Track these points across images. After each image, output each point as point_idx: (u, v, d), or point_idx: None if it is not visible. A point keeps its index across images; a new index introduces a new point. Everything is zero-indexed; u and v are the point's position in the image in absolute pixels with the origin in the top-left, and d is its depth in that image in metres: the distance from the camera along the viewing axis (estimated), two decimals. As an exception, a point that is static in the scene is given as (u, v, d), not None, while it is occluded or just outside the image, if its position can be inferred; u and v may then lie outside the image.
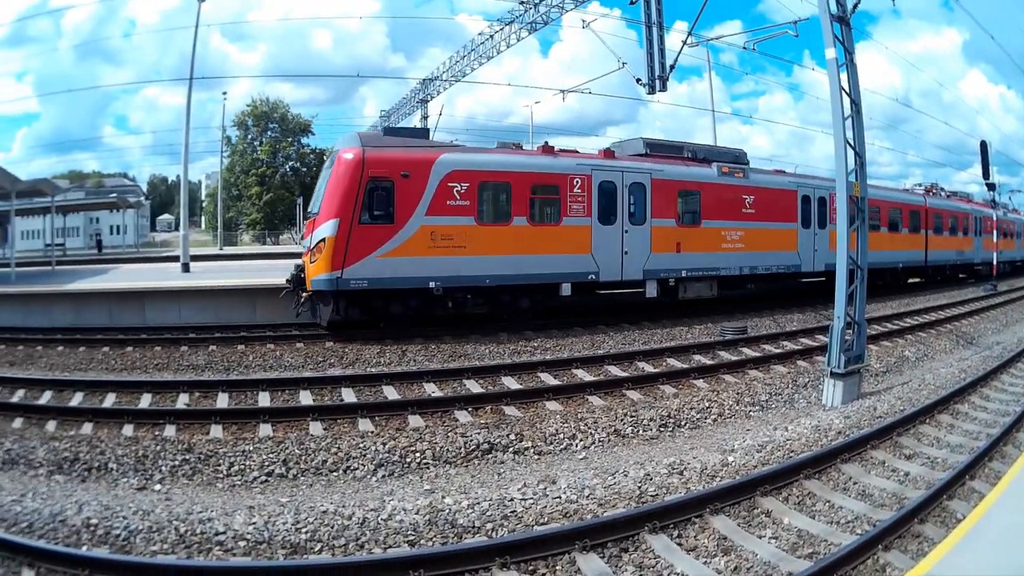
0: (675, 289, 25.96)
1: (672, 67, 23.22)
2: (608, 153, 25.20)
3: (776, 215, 28.86)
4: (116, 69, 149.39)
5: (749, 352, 19.65)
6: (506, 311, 22.67)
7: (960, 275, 45.90)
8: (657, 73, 22.65)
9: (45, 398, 15.37)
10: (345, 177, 20.03)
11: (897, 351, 20.95)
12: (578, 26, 32.66)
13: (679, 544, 7.92)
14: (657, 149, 26.70)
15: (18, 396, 15.55)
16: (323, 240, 19.88)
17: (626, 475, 10.03)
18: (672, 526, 8.20)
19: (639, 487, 9.56)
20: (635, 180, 24.31)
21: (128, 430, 13.08)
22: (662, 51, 23.20)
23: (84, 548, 8.22)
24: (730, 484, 9.29)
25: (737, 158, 29.04)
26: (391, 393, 15.34)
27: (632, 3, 23.79)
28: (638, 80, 23.43)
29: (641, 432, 13.01)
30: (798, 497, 9.29)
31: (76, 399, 15.23)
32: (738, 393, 15.58)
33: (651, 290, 24.90)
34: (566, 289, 22.70)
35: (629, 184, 24.13)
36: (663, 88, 22.87)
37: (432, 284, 20.54)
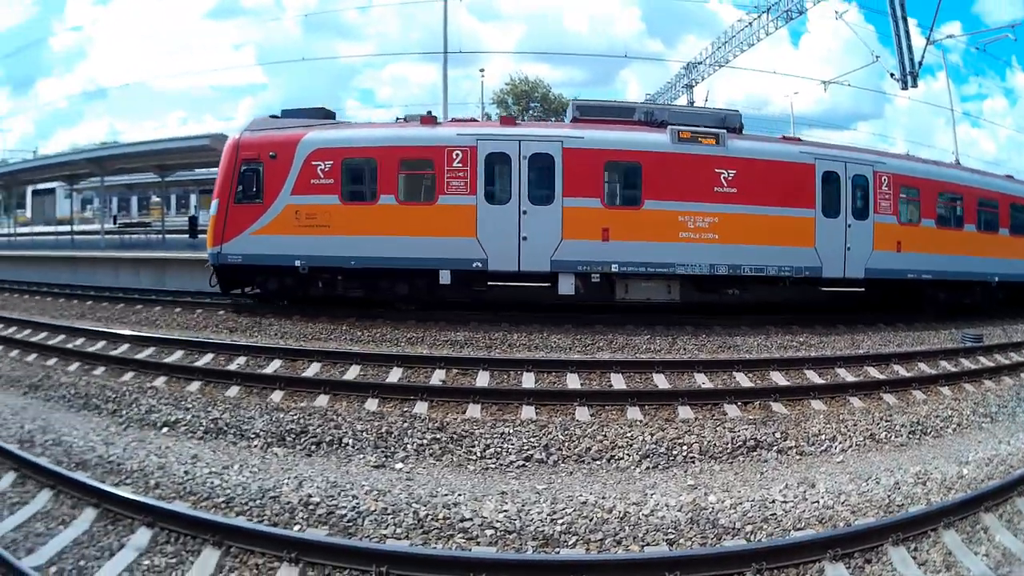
0: (610, 287, 21.00)
1: (920, 63, 22.38)
2: (508, 120, 22.49)
3: (775, 196, 20.88)
4: (353, 43, 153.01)
5: (985, 361, 17.84)
6: (385, 297, 21.16)
7: None
8: (908, 69, 21.95)
9: (272, 367, 15.18)
10: (224, 160, 21.07)
11: None
12: (822, 17, 31.63)
13: (914, 557, 7.40)
14: (592, 112, 21.94)
15: (237, 364, 15.41)
16: (211, 217, 21.26)
17: (878, 482, 9.39)
18: (911, 538, 7.64)
19: (888, 495, 8.95)
20: (538, 151, 20.12)
21: (372, 404, 12.62)
22: (909, 47, 22.38)
23: (296, 528, 7.83)
24: (963, 498, 8.58)
25: (725, 120, 21.67)
26: (661, 382, 14.42)
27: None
28: (892, 75, 22.50)
29: (893, 438, 11.79)
30: (1009, 515, 8.48)
31: (312, 370, 14.97)
32: (975, 403, 14.08)
33: (565, 286, 20.26)
34: (445, 277, 20.19)
35: (529, 156, 20.05)
36: (914, 84, 22.00)
37: (297, 263, 20.35)
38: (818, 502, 8.76)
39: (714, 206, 20.47)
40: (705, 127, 20.94)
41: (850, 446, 11.51)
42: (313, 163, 20.33)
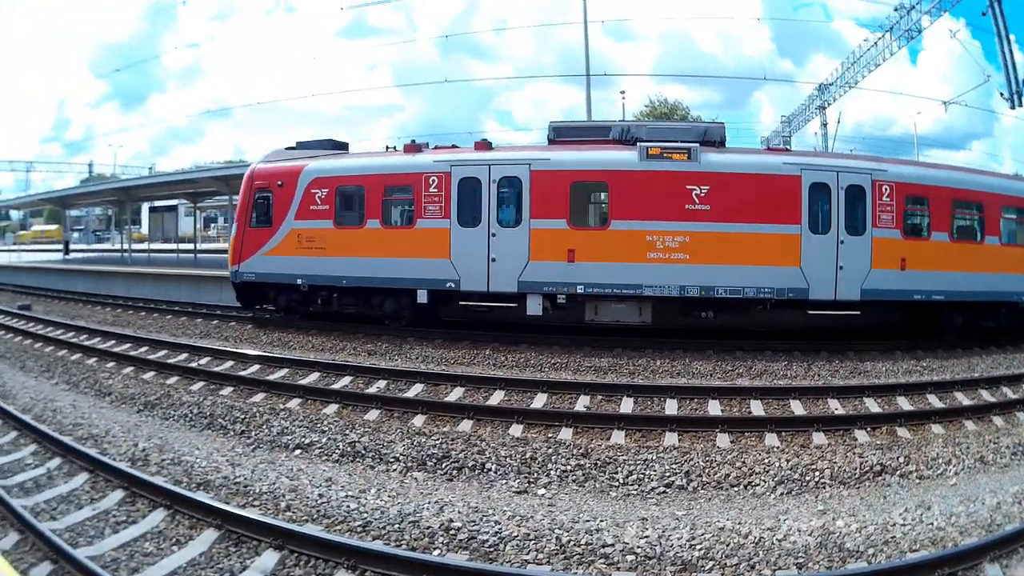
0: (580, 308, 20.67)
1: (1024, 81, 21.82)
2: (481, 145, 21.78)
3: (754, 212, 19.50)
4: (488, 64, 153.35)
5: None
6: (375, 313, 22.15)
7: None
8: (1014, 88, 21.36)
9: (414, 391, 15.17)
10: (243, 187, 23.30)
11: None
12: (935, 34, 31.10)
13: (1004, 572, 7.53)
14: (567, 133, 21.55)
15: (377, 387, 15.41)
16: (232, 239, 23.87)
17: (983, 503, 9.38)
18: (1006, 555, 7.80)
19: (991, 515, 8.99)
20: (507, 174, 20.29)
21: (516, 430, 12.54)
22: (1014, 65, 21.80)
23: (435, 553, 7.82)
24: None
25: (705, 134, 20.62)
26: (797, 408, 14.26)
27: (983, 15, 22.58)
28: (1001, 94, 21.83)
29: (999, 459, 11.58)
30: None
31: (455, 394, 14.88)
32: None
33: (533, 306, 20.21)
34: (422, 296, 20.92)
35: (498, 179, 20.29)
36: (1020, 103, 21.48)
37: (299, 281, 22.05)
38: (932, 524, 8.81)
39: (684, 224, 19.49)
40: (682, 142, 19.91)
41: (962, 469, 11.33)
42: (312, 191, 21.92)
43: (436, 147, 22.36)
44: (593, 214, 20.73)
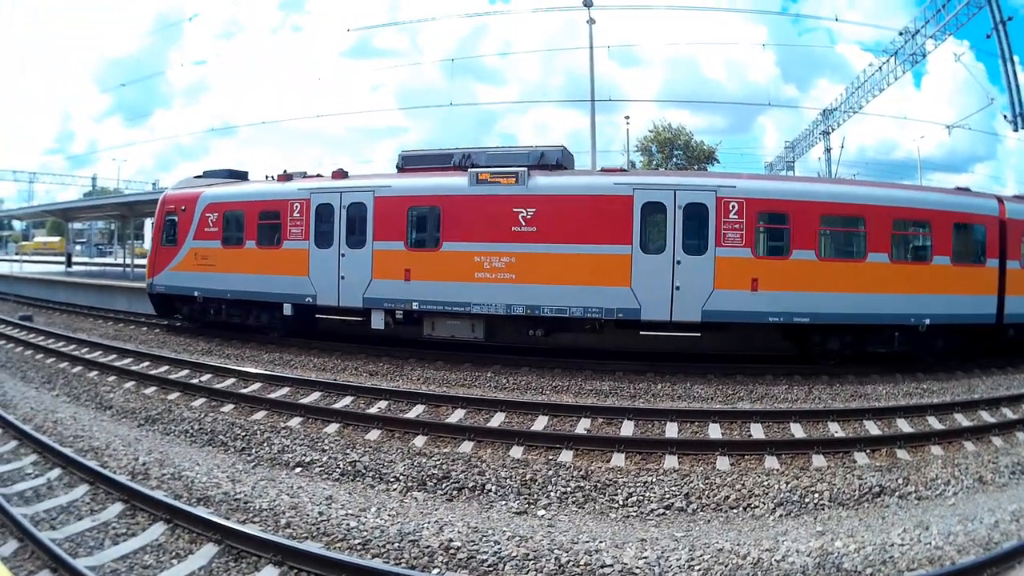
0: (418, 324, 21.65)
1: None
2: (338, 174, 23.31)
3: (581, 233, 19.58)
4: (493, 87, 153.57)
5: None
6: (256, 324, 24.24)
7: None
8: (1018, 110, 21.38)
9: (415, 412, 15.26)
10: (157, 211, 26.31)
11: None
12: (939, 57, 31.18)
13: None
14: (414, 161, 22.91)
15: (378, 408, 15.61)
16: (148, 255, 27.76)
17: (981, 522, 9.57)
18: (1003, 572, 8.03)
19: (989, 533, 9.18)
20: (355, 200, 21.81)
21: (517, 452, 12.63)
22: (1018, 87, 21.87)
23: (435, 572, 7.94)
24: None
25: (542, 157, 21.18)
26: (797, 431, 14.37)
27: (988, 37, 22.62)
28: (1004, 116, 21.90)
29: (997, 479, 11.79)
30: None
31: (456, 416, 15.02)
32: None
33: (376, 321, 21.61)
34: (288, 309, 22.85)
35: (348, 205, 21.85)
36: (1023, 125, 21.56)
37: (196, 293, 24.62)
38: (930, 543, 8.94)
39: (511, 246, 20.06)
40: (517, 166, 20.48)
41: (961, 489, 11.51)
42: (207, 214, 24.50)
43: (304, 176, 24.43)
44: (428, 237, 21.42)
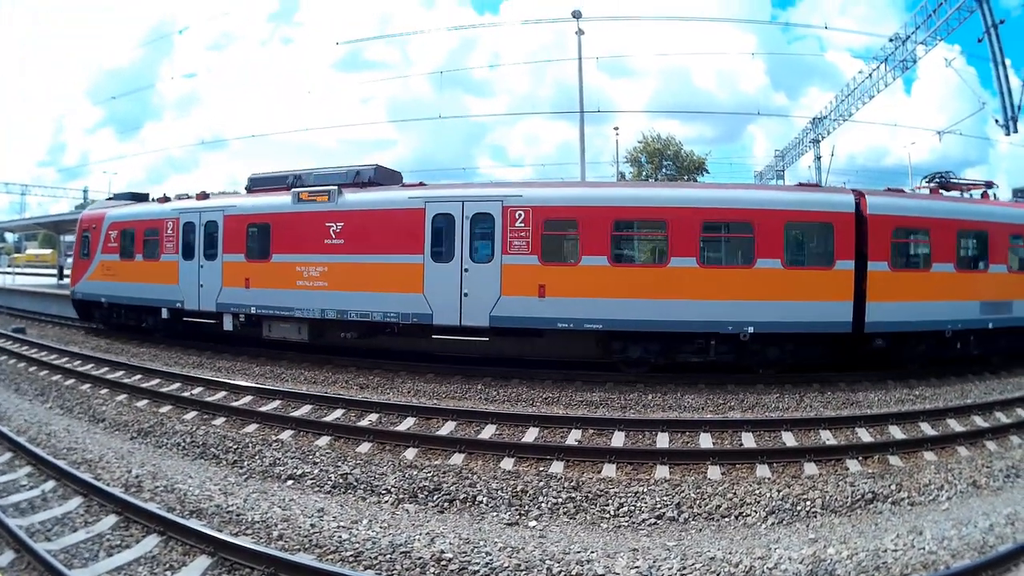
0: (258, 326, 23.84)
1: (1019, 107, 21.93)
2: (201, 196, 26.09)
3: (381, 244, 21.07)
4: (483, 99, 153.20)
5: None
6: (146, 326, 27.34)
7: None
8: (1009, 114, 21.41)
9: (406, 424, 15.32)
10: (77, 228, 30.24)
11: None
12: (930, 63, 31.06)
13: None
14: (260, 183, 25.03)
15: (368, 420, 15.69)
16: (72, 266, 32.10)
17: (975, 526, 9.63)
18: (998, 574, 8.09)
19: (983, 537, 9.22)
20: (210, 219, 24.56)
21: (508, 463, 12.66)
22: (1010, 92, 21.92)
23: None
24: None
25: (357, 175, 22.81)
26: (788, 440, 14.39)
27: (979, 41, 22.71)
28: (996, 120, 21.94)
29: (991, 483, 11.84)
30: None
31: (447, 428, 15.06)
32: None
33: (227, 323, 24.19)
34: (165, 313, 25.79)
35: (205, 223, 24.61)
36: (1015, 129, 21.52)
37: (103, 299, 28.05)
38: (924, 548, 8.97)
39: (324, 256, 21.97)
40: (333, 185, 22.29)
41: (955, 493, 11.53)
42: (110, 232, 27.79)
43: (178, 197, 27.56)
44: (262, 249, 23.38)
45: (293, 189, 22.81)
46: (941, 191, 22.01)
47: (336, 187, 22.09)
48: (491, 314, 19.71)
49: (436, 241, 20.45)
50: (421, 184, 22.92)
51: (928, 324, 19.61)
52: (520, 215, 19.49)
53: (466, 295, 19.96)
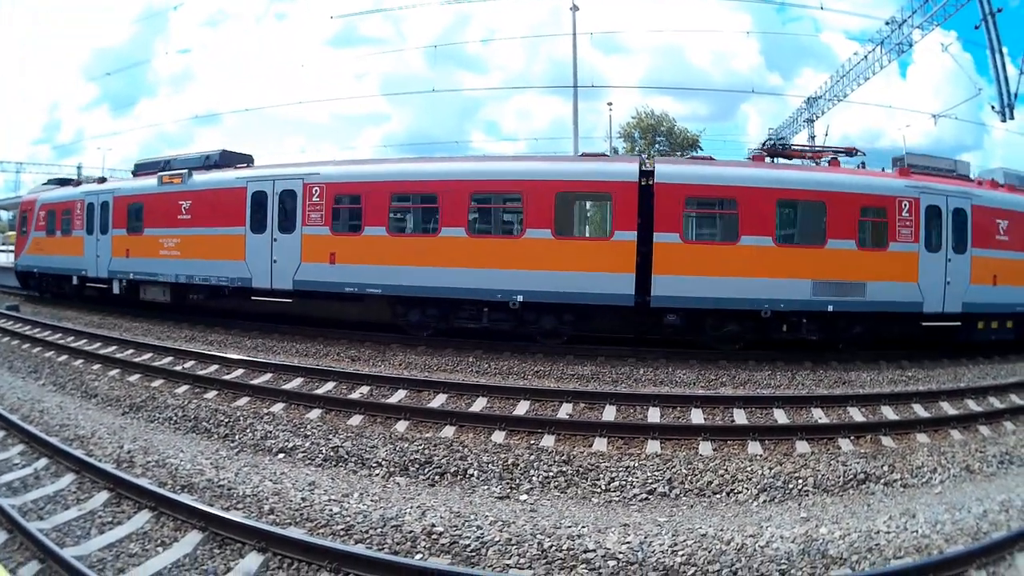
0: (137, 290, 27.23)
1: (1016, 94, 21.84)
2: (100, 180, 31.35)
3: (216, 219, 24.10)
4: (476, 75, 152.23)
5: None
6: (65, 291, 31.01)
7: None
8: (1006, 101, 21.34)
9: (397, 397, 15.24)
10: (19, 210, 35.58)
11: None
12: (926, 47, 31.07)
13: None
14: (143, 168, 28.78)
15: (360, 393, 15.64)
16: (15, 242, 37.27)
17: (969, 511, 9.52)
18: (992, 563, 7.97)
19: (977, 523, 9.14)
20: (103, 200, 28.25)
21: (499, 437, 12.59)
22: (1006, 78, 21.87)
23: (418, 557, 7.90)
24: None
25: (206, 160, 25.80)
26: (781, 417, 14.36)
27: (976, 28, 22.61)
28: (992, 107, 21.87)
29: (985, 468, 11.79)
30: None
31: (438, 401, 14.98)
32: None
33: (116, 288, 27.72)
34: (75, 280, 29.69)
35: (101, 204, 28.19)
36: (1011, 116, 21.45)
37: (35, 270, 32.41)
38: (916, 531, 8.89)
39: (178, 230, 25.03)
40: (188, 168, 25.54)
41: (948, 477, 11.48)
42: (40, 212, 31.63)
43: (97, 180, 31.92)
44: (137, 225, 26.66)
45: (158, 173, 26.29)
46: (768, 158, 21.88)
47: (188, 170, 25.40)
48: (294, 278, 22.24)
49: (254, 215, 23.14)
50: (248, 166, 25.45)
51: (734, 302, 19.04)
52: (316, 191, 21.95)
53: (275, 262, 22.57)
